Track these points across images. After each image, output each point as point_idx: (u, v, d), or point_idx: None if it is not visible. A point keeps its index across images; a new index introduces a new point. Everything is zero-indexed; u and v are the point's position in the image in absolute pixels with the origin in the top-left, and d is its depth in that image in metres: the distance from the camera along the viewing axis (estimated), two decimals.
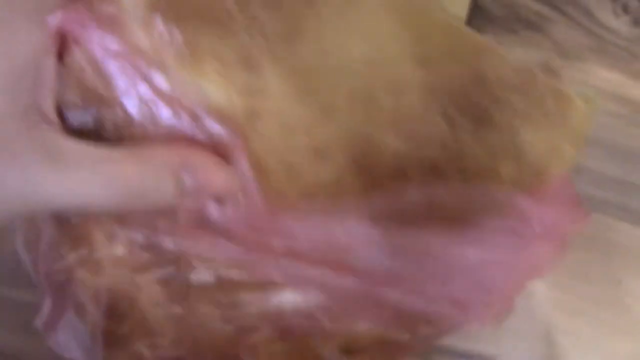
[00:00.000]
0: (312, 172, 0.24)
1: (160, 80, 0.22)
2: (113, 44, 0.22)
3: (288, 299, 0.25)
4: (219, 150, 0.23)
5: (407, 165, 0.25)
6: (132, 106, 0.22)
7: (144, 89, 0.22)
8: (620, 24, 0.37)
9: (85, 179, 0.20)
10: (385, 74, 0.25)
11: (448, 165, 0.26)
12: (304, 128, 0.24)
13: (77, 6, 0.22)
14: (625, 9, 0.37)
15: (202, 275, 0.24)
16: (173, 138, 0.22)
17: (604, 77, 0.37)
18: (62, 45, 0.22)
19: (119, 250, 0.24)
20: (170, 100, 0.22)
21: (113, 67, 0.22)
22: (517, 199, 0.26)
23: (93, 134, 0.22)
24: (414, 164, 0.25)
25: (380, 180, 0.25)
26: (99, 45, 0.22)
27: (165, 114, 0.22)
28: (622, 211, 0.37)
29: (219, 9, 0.22)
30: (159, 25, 0.22)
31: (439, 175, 0.26)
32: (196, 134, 0.22)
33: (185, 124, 0.22)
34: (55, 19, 0.21)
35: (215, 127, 0.22)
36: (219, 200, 0.23)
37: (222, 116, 0.22)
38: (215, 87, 0.22)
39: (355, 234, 0.25)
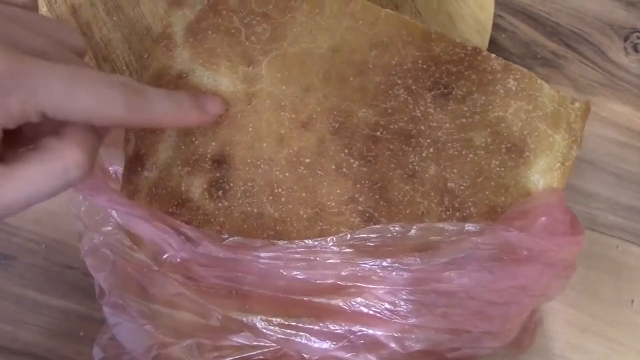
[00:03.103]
0: (298, 140, 0.31)
1: None
2: None
3: None
4: None
5: (381, 134, 0.31)
6: None
7: None
8: (631, 62, 0.40)
9: None
10: (349, 59, 0.32)
11: (420, 135, 0.31)
12: (290, 105, 0.31)
13: None
14: (635, 48, 0.40)
15: None
16: None
17: (616, 110, 0.40)
18: None
19: None
20: None
21: None
22: (501, 231, 0.29)
23: None
24: (387, 132, 0.31)
25: (357, 145, 0.31)
26: None
27: None
28: (632, 235, 0.39)
29: (230, 27, 0.32)
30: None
31: (415, 145, 0.31)
32: None
33: None
34: None
35: None
36: None
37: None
38: (225, 79, 0.32)
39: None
